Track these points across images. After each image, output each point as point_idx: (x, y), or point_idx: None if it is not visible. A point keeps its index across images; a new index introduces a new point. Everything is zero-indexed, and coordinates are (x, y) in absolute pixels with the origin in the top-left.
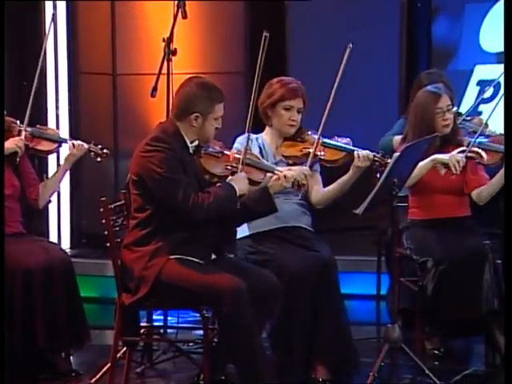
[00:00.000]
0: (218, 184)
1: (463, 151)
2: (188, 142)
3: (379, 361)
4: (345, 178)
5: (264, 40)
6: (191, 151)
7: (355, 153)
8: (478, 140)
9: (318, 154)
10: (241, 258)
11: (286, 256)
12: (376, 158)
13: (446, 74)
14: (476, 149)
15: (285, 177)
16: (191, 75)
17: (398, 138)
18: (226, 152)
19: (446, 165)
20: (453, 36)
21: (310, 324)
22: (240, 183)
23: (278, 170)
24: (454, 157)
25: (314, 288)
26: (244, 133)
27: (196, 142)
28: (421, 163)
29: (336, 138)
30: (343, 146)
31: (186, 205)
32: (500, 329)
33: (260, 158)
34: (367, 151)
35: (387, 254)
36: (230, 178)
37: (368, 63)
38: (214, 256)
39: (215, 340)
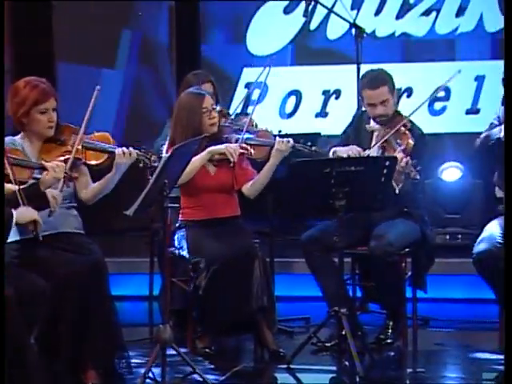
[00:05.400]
0: None
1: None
2: None
3: (150, 361)
4: (109, 175)
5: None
6: None
7: (116, 150)
8: (246, 136)
9: (80, 157)
10: (5, 263)
11: (54, 260)
12: (140, 156)
13: (210, 75)
14: (244, 144)
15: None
16: None
17: None
18: None
19: (220, 160)
20: (221, 39)
21: (80, 327)
22: None
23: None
24: (230, 146)
25: (83, 291)
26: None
27: None
28: (197, 157)
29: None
30: (104, 146)
31: None
32: (267, 325)
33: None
34: (130, 148)
35: (159, 254)
36: None
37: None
38: None
39: None
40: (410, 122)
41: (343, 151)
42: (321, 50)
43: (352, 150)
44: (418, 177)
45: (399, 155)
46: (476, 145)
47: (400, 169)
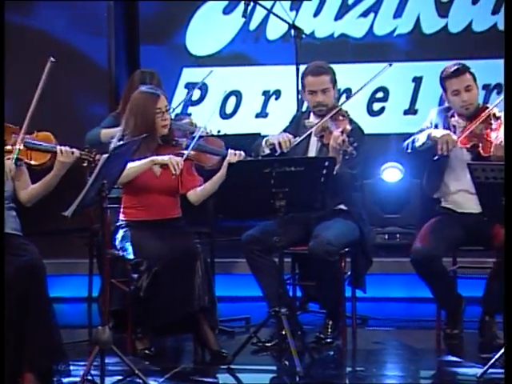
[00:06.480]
0: None
1: (182, 154)
2: None
3: (89, 363)
4: (50, 175)
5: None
6: None
7: (57, 148)
8: (197, 143)
9: (22, 158)
10: None
11: None
12: (83, 155)
13: (157, 74)
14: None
15: None
16: None
17: (106, 131)
18: None
19: (165, 166)
20: (161, 38)
21: (17, 329)
22: None
23: None
24: (174, 158)
25: (20, 293)
26: None
27: None
28: (139, 162)
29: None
30: (47, 146)
31: None
32: (209, 326)
33: None
34: (73, 149)
35: (99, 255)
36: None
37: (77, 65)
38: None
39: None
40: (351, 120)
41: (274, 138)
42: (261, 50)
43: (282, 136)
44: (354, 152)
45: (336, 133)
46: (404, 149)
47: (337, 146)
